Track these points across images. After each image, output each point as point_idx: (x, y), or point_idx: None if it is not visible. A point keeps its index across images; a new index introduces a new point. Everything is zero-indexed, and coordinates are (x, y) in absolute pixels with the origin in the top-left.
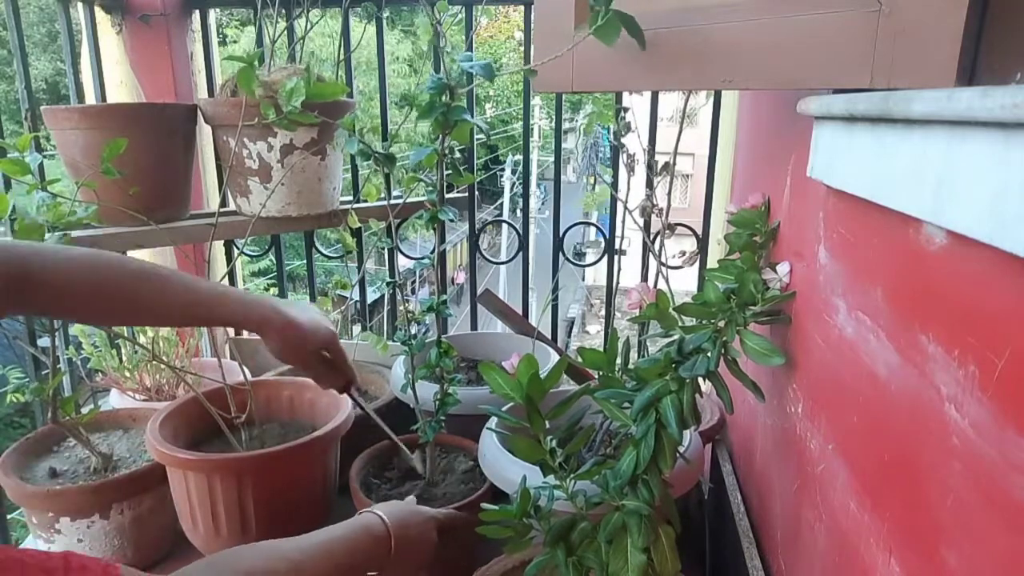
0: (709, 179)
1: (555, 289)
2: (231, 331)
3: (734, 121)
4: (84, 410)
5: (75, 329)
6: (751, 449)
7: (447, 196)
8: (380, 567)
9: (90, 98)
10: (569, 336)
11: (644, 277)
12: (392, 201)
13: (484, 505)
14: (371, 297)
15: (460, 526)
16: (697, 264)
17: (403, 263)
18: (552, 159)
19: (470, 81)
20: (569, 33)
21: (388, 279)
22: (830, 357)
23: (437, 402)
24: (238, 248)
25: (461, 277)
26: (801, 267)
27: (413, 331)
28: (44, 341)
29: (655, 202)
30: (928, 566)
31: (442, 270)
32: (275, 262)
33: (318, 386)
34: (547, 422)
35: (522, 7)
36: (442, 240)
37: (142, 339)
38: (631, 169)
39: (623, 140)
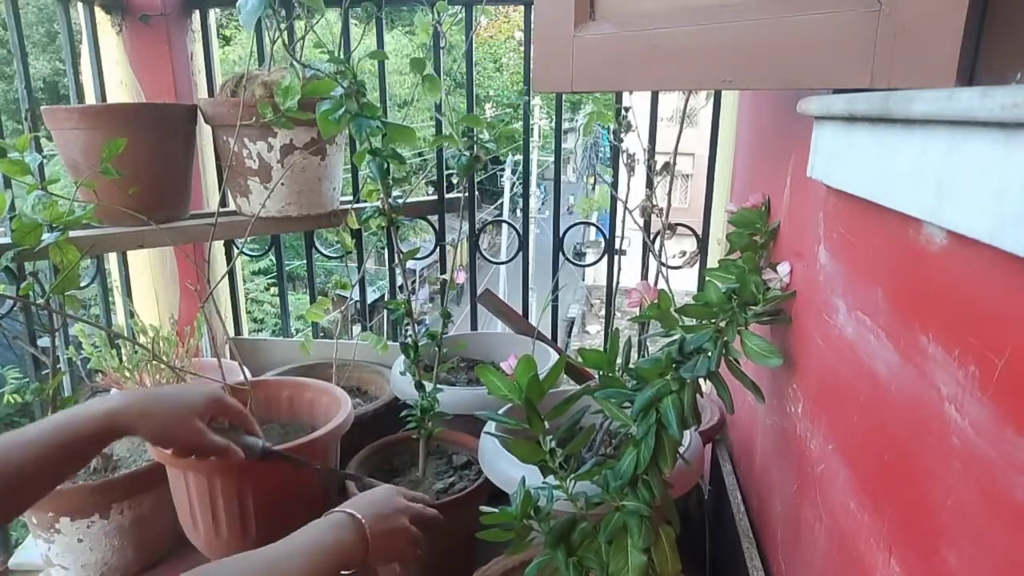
0: (709, 179)
1: (555, 289)
2: (231, 331)
3: (734, 121)
4: None
5: (75, 329)
6: (751, 449)
7: (447, 196)
8: (359, 563)
9: (90, 98)
10: (569, 336)
11: (644, 277)
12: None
13: (484, 508)
14: (371, 297)
15: (434, 524)
16: (697, 264)
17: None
18: (552, 159)
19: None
20: (569, 33)
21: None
22: (830, 357)
23: (423, 401)
24: (238, 248)
25: (461, 277)
26: (801, 267)
27: (411, 332)
28: (44, 341)
29: (655, 202)
30: (928, 566)
31: (444, 288)
32: (275, 262)
33: (224, 461)
34: (547, 422)
35: (522, 7)
36: (443, 251)
37: (142, 339)
38: (631, 169)
39: (623, 140)
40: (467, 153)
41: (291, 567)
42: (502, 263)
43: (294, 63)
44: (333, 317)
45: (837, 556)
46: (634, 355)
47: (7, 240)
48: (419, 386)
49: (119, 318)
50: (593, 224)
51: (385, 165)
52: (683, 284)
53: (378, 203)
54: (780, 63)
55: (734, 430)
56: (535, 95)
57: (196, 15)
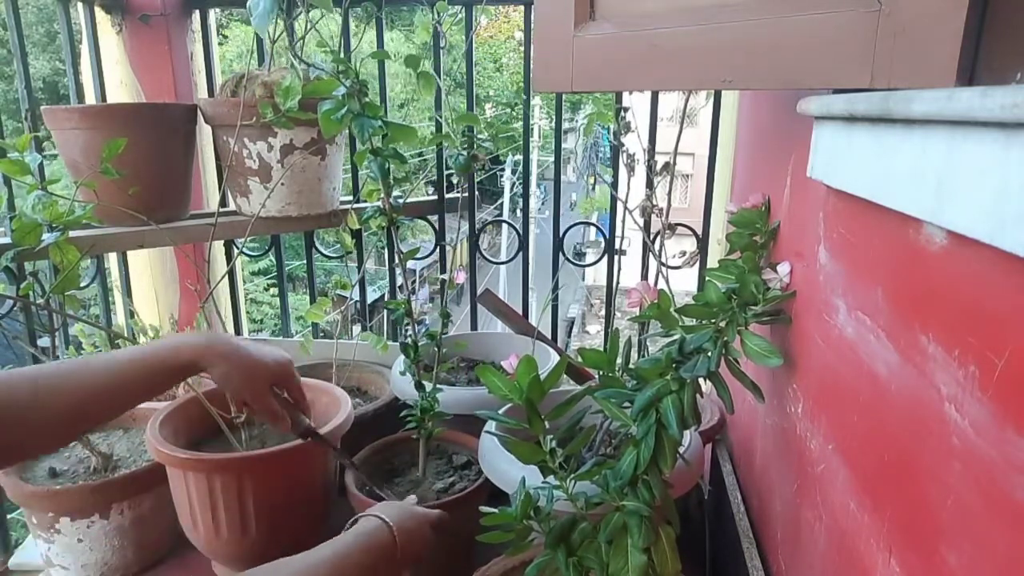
0: (709, 179)
1: (555, 289)
2: (231, 331)
3: (734, 121)
4: None
5: (75, 329)
6: (751, 449)
7: (447, 196)
8: (388, 569)
9: (90, 98)
10: (569, 336)
11: (644, 277)
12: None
13: (484, 508)
14: (371, 297)
15: (447, 526)
16: (697, 264)
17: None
18: (552, 159)
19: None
20: (569, 33)
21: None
22: (830, 357)
23: (424, 400)
24: (238, 248)
25: (461, 277)
26: (801, 267)
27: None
28: (44, 341)
29: (655, 202)
30: (928, 566)
31: (443, 288)
32: (275, 262)
33: (273, 428)
34: (547, 423)
35: (522, 7)
36: (443, 251)
37: (142, 339)
38: (631, 169)
39: (623, 140)
40: (464, 152)
41: (328, 572)
42: (502, 263)
43: (297, 62)
44: (333, 317)
45: (837, 556)
46: (634, 355)
47: (7, 240)
48: (419, 386)
49: (119, 318)
50: (593, 224)
51: (386, 165)
52: (683, 284)
53: (379, 203)
54: (780, 63)
55: (734, 430)
56: (535, 95)
57: (196, 15)
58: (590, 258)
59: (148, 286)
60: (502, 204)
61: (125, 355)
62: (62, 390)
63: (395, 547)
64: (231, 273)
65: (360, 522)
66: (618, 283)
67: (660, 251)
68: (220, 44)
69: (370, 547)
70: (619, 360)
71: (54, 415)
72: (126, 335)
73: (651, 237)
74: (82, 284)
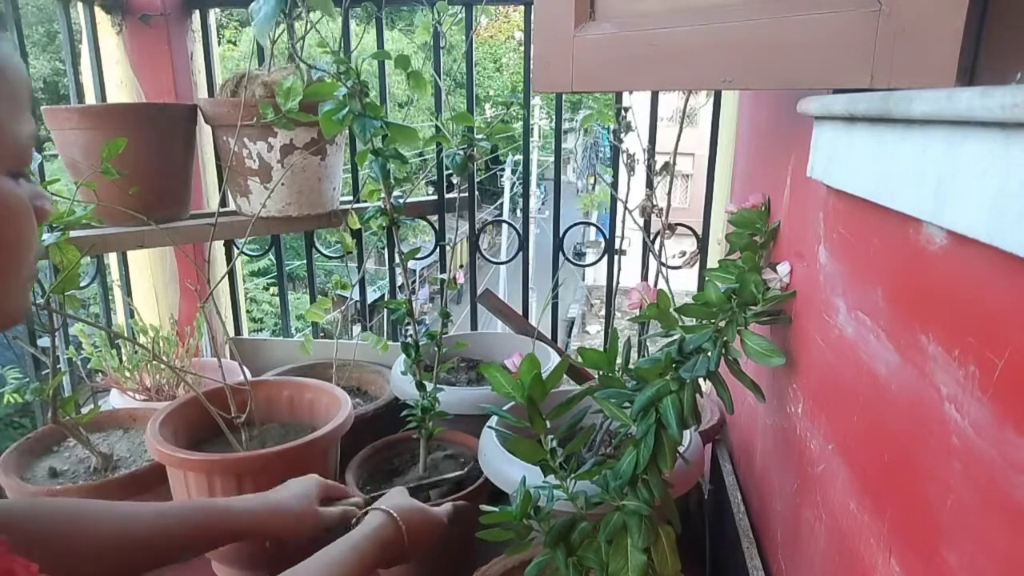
0: (709, 179)
1: (555, 289)
2: (231, 331)
3: (734, 121)
4: (84, 410)
5: (75, 329)
6: (751, 449)
7: (447, 196)
8: (397, 560)
9: (90, 98)
10: (569, 336)
11: (644, 277)
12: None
13: (484, 507)
14: (371, 297)
15: (463, 513)
16: (697, 264)
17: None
18: (552, 159)
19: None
20: (569, 33)
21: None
22: (830, 357)
23: (425, 400)
24: (238, 248)
25: (461, 277)
26: (801, 267)
27: (412, 332)
28: (44, 341)
29: (655, 202)
30: (928, 566)
31: (443, 288)
32: (275, 262)
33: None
34: (547, 422)
35: (522, 7)
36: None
37: (142, 339)
38: (631, 169)
39: (623, 140)
40: (460, 152)
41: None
42: (502, 263)
43: (300, 63)
44: (333, 317)
45: (837, 556)
46: (634, 355)
47: None
48: (419, 386)
49: (119, 318)
50: (593, 224)
51: (387, 165)
52: (683, 284)
53: (379, 203)
54: (780, 63)
55: (734, 430)
56: (535, 95)
57: (196, 15)
58: (590, 258)
59: (148, 286)
60: (502, 204)
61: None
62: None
63: (403, 540)
64: (231, 273)
65: (368, 517)
66: (618, 283)
67: (660, 251)
68: (230, 46)
69: (382, 542)
70: (619, 360)
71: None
72: (126, 335)
73: (651, 237)
74: (82, 284)
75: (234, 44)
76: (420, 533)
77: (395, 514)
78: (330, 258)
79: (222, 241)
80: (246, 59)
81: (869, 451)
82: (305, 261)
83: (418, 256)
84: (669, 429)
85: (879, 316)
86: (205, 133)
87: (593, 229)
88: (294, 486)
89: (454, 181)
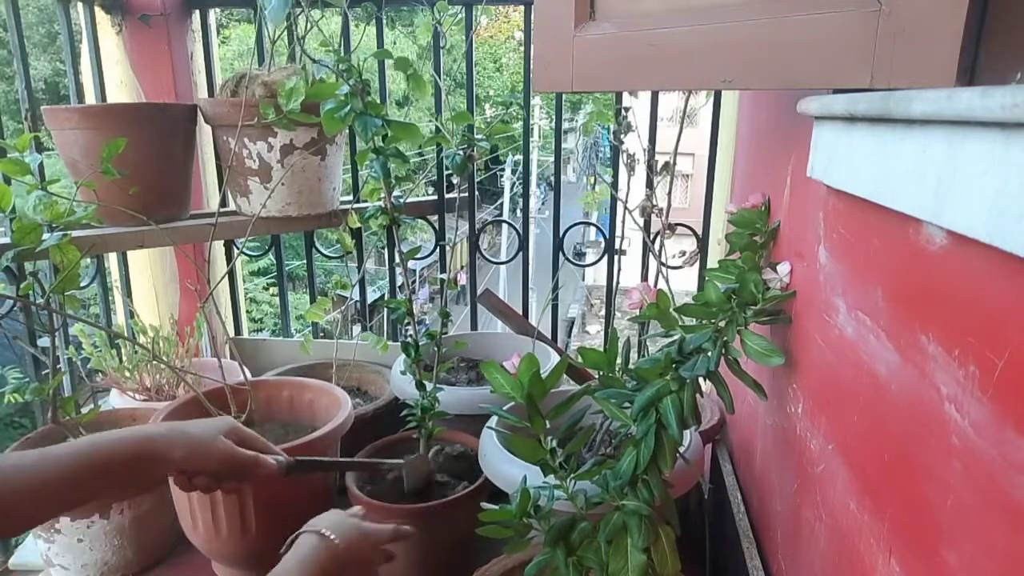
0: (709, 179)
1: (555, 289)
2: (231, 331)
3: (734, 121)
4: (84, 410)
5: (75, 329)
6: (751, 449)
7: (447, 196)
8: None
9: (90, 98)
10: (569, 336)
11: (644, 277)
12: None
13: (484, 505)
14: (371, 297)
15: (405, 538)
16: (697, 264)
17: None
18: (552, 159)
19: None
20: (569, 33)
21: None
22: (830, 357)
23: (425, 400)
24: (238, 248)
25: (463, 279)
26: (801, 267)
27: (412, 332)
28: (44, 341)
29: (655, 202)
30: (928, 566)
31: (443, 288)
32: (275, 262)
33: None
34: (547, 422)
35: (522, 7)
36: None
37: (142, 339)
38: (631, 169)
39: (623, 140)
40: (460, 152)
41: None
42: (502, 263)
43: (307, 60)
44: (333, 317)
45: (837, 556)
46: (634, 355)
47: (7, 240)
48: (419, 386)
49: (119, 318)
50: (593, 224)
51: (388, 164)
52: (683, 284)
53: (380, 202)
54: (780, 63)
55: (734, 430)
56: (535, 95)
57: (196, 15)
58: (590, 258)
59: (148, 286)
60: (502, 204)
61: (69, 449)
62: (25, 476)
63: (340, 562)
64: (231, 273)
65: (301, 540)
66: (618, 283)
67: (660, 251)
68: (222, 44)
69: (320, 565)
70: (619, 360)
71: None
72: (126, 335)
73: (651, 237)
74: (82, 284)
75: (225, 43)
76: (361, 552)
77: (330, 535)
78: (330, 258)
79: (222, 241)
80: (239, 57)
81: (869, 451)
82: (305, 261)
83: (418, 256)
84: (669, 429)
85: (879, 316)
86: (205, 133)
87: (593, 229)
88: (203, 422)
89: (454, 181)
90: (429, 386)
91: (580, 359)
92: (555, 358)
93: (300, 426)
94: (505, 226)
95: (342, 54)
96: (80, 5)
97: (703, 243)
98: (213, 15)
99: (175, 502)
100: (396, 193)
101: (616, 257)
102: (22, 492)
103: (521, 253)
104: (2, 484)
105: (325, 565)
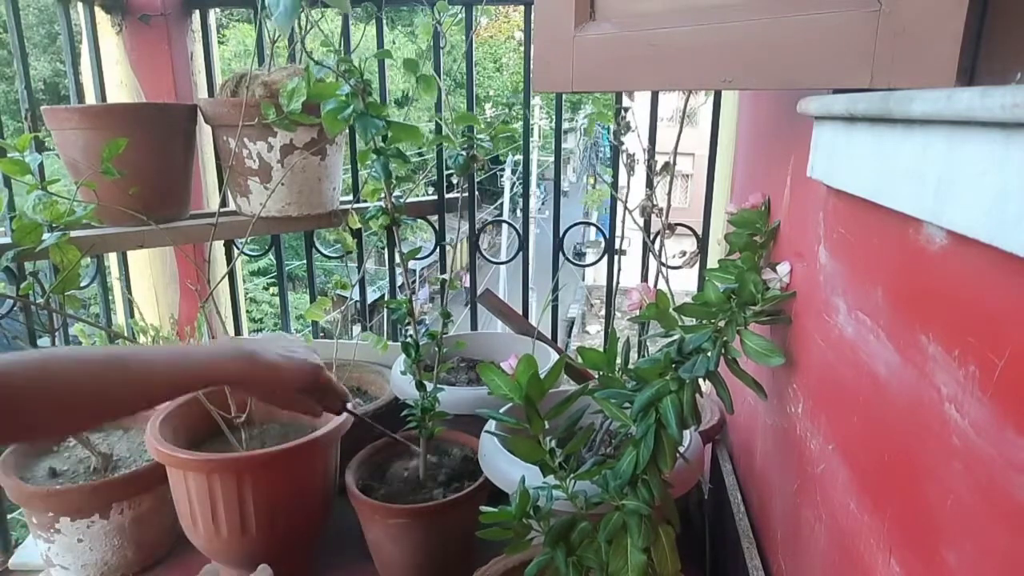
0: (709, 179)
1: (555, 289)
2: (231, 331)
3: (734, 121)
4: None
5: (75, 329)
6: (751, 449)
7: (447, 196)
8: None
9: (90, 98)
10: (569, 336)
11: (644, 277)
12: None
13: (484, 508)
14: (371, 297)
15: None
16: (697, 264)
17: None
18: (552, 159)
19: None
20: (569, 33)
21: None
22: (830, 357)
23: (425, 400)
24: (238, 248)
25: (466, 280)
26: (801, 267)
27: (412, 332)
28: (44, 341)
29: (655, 202)
30: (928, 566)
31: (443, 288)
32: (275, 262)
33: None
34: (546, 422)
35: (522, 7)
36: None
37: (142, 339)
38: (631, 169)
39: (623, 140)
40: (463, 153)
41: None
42: (502, 263)
43: (309, 61)
44: (333, 317)
45: (837, 556)
46: (634, 355)
47: (7, 240)
48: (420, 386)
49: (119, 318)
50: (593, 224)
51: (389, 164)
52: (683, 284)
53: (380, 202)
54: (780, 63)
55: (734, 430)
56: (535, 95)
57: (196, 15)
58: (590, 258)
59: (148, 286)
60: (502, 204)
61: (168, 358)
62: (102, 377)
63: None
64: (231, 273)
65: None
66: (618, 283)
67: (660, 251)
68: (220, 44)
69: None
70: (619, 360)
71: (61, 400)
72: (126, 335)
73: (651, 237)
74: (82, 284)
75: (223, 43)
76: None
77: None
78: (330, 258)
79: (222, 241)
80: (237, 58)
81: (869, 451)
82: (305, 261)
83: (418, 256)
84: (669, 429)
85: (879, 316)
86: (205, 133)
87: (593, 229)
88: (288, 368)
89: (454, 181)
90: (429, 386)
91: (580, 359)
92: (555, 358)
93: (300, 426)
94: (505, 226)
95: (343, 54)
96: (80, 5)
97: (703, 243)
98: (213, 15)
99: (175, 502)
100: (396, 193)
101: (616, 257)
102: (69, 395)
103: (521, 253)
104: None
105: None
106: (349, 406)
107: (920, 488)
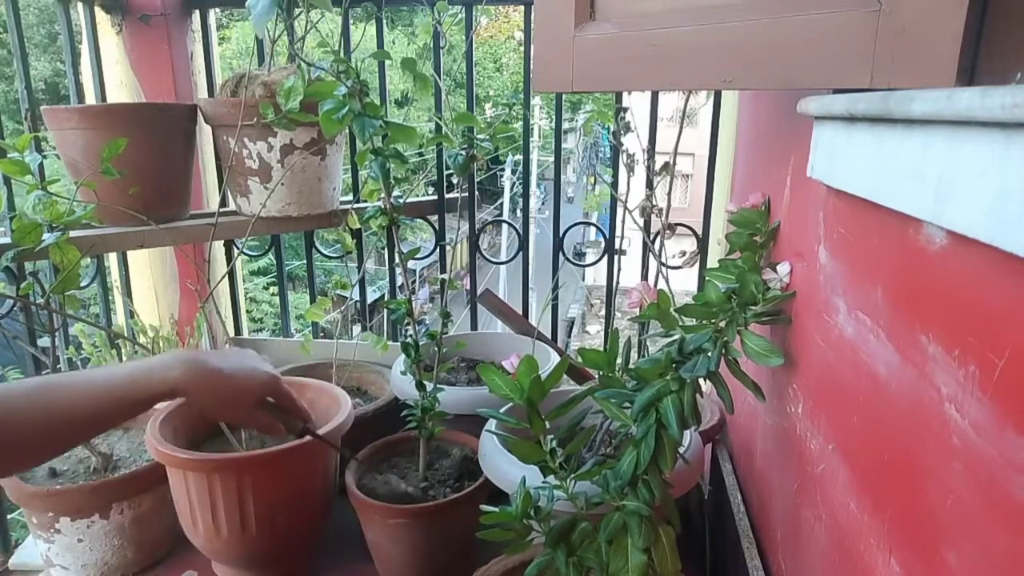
0: (709, 179)
1: (555, 289)
2: (231, 331)
3: (734, 121)
4: None
5: (75, 329)
6: (751, 449)
7: (447, 196)
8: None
9: (90, 98)
10: (569, 336)
11: (644, 277)
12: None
13: (484, 507)
14: (371, 297)
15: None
16: (697, 264)
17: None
18: (552, 159)
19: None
20: (569, 33)
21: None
22: (830, 357)
23: (425, 400)
24: (238, 248)
25: (467, 282)
26: (801, 267)
27: (412, 332)
28: (44, 341)
29: (655, 202)
30: (928, 566)
31: (443, 288)
32: (275, 262)
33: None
34: (547, 423)
35: (522, 7)
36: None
37: (142, 339)
38: (631, 169)
39: (623, 140)
40: (463, 153)
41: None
42: (502, 263)
43: (301, 63)
44: (333, 317)
45: (837, 556)
46: (634, 355)
47: (7, 240)
48: (420, 386)
49: (119, 318)
50: (593, 224)
51: (387, 165)
52: (683, 284)
53: (379, 203)
54: (780, 63)
55: (734, 430)
56: (535, 95)
57: (196, 15)
58: (590, 258)
59: (148, 286)
60: (502, 204)
61: (99, 378)
62: (31, 410)
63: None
64: (231, 273)
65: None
66: (618, 283)
67: (660, 251)
68: (222, 43)
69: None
70: (619, 360)
71: (22, 435)
72: (126, 335)
73: (651, 237)
74: (82, 284)
75: (224, 41)
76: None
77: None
78: (330, 258)
79: (222, 241)
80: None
81: (869, 451)
82: (305, 261)
83: (418, 256)
84: (669, 429)
85: (879, 316)
86: (205, 133)
87: (593, 229)
88: (242, 379)
89: (454, 181)
90: (429, 386)
91: (580, 359)
92: (555, 358)
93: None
94: (505, 226)
95: (341, 54)
96: (80, 5)
97: (703, 243)
98: (213, 15)
99: (175, 502)
100: (396, 193)
101: (616, 257)
102: (28, 429)
103: (521, 253)
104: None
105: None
106: (299, 425)
107: (920, 488)
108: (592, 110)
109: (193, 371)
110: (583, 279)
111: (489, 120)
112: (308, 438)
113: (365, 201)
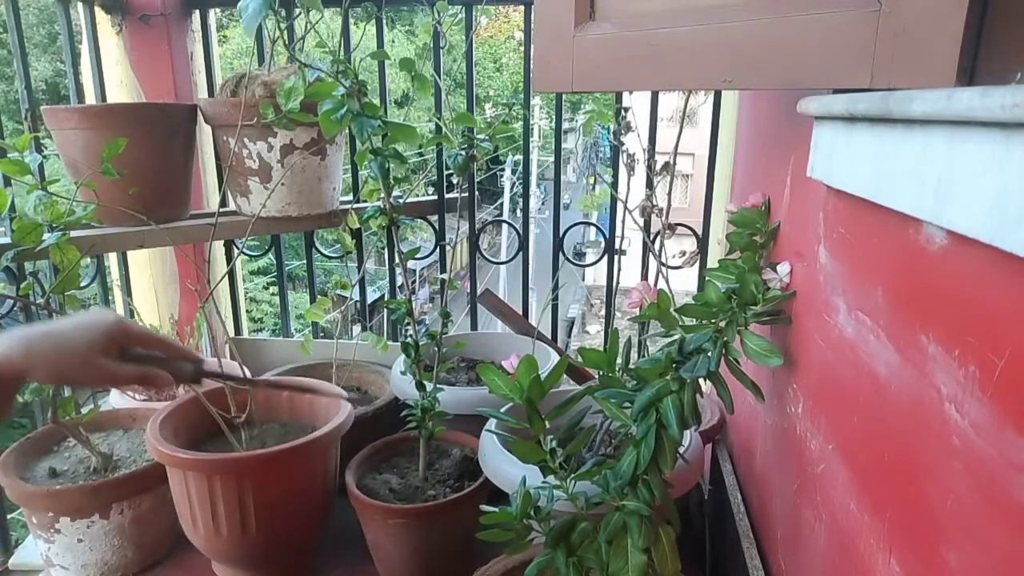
0: (709, 179)
1: (555, 289)
2: (231, 330)
3: (734, 121)
4: (84, 410)
5: None
6: (751, 449)
7: (447, 196)
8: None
9: (90, 98)
10: (569, 336)
11: (644, 277)
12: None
13: (484, 508)
14: (371, 297)
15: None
16: (697, 264)
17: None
18: (552, 159)
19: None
20: (569, 33)
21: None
22: (830, 357)
23: (425, 400)
24: (238, 248)
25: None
26: (801, 267)
27: (412, 332)
28: None
29: (655, 202)
30: (928, 566)
31: (443, 288)
32: (275, 262)
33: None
34: (547, 422)
35: (522, 7)
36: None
37: None
38: (631, 169)
39: (623, 140)
40: (462, 153)
41: None
42: (502, 263)
43: (300, 64)
44: (333, 317)
45: (837, 556)
46: (634, 355)
47: (7, 240)
48: (420, 386)
49: None
50: (593, 224)
51: (386, 165)
52: (683, 284)
53: (379, 203)
54: (780, 63)
55: (734, 430)
56: (535, 95)
57: (196, 15)
58: (590, 258)
59: (148, 286)
60: (502, 204)
61: None
62: None
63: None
64: (231, 273)
65: None
66: (618, 283)
67: (660, 251)
68: (222, 43)
69: None
70: (619, 360)
71: None
72: None
73: (651, 237)
74: (82, 284)
75: (225, 42)
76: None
77: (20, 342)
78: (330, 258)
79: (222, 241)
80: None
81: (869, 451)
82: (305, 261)
83: (418, 256)
84: (669, 429)
85: (879, 316)
86: (205, 133)
87: (593, 229)
88: (74, 330)
89: (454, 181)
90: (429, 386)
91: (580, 359)
92: (555, 358)
93: (300, 426)
94: (505, 226)
95: (341, 54)
96: (80, 5)
97: (703, 243)
98: (213, 15)
99: (175, 502)
100: (396, 193)
101: (616, 257)
102: None
103: (521, 253)
104: None
105: None
106: (206, 369)
107: (920, 488)
108: (592, 110)
109: (21, 341)
110: (583, 279)
111: (489, 120)
112: (208, 378)
113: (365, 201)
